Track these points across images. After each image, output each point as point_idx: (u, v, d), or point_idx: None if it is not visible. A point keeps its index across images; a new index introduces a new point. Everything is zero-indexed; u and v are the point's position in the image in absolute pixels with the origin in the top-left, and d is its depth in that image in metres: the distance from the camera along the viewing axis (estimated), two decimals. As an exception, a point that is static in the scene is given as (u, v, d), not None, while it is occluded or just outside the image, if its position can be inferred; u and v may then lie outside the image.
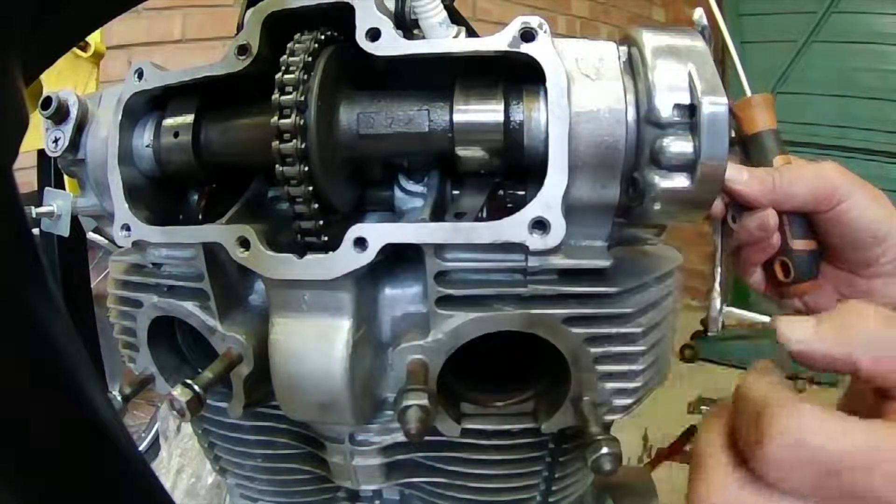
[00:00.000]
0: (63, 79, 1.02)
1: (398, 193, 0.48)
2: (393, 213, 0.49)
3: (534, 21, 0.39)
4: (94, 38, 1.06)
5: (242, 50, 0.43)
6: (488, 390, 0.51)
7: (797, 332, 0.34)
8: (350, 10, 0.41)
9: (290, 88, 0.39)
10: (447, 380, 0.46)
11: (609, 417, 0.46)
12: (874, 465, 0.27)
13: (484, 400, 0.50)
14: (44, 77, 0.76)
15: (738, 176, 0.53)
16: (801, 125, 3.11)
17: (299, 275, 0.41)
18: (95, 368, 0.37)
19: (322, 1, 0.42)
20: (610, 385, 0.45)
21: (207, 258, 0.45)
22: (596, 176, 0.41)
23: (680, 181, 0.39)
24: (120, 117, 0.47)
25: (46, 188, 0.60)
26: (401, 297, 0.47)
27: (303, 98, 0.39)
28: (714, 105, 0.37)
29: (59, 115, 0.50)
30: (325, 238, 0.42)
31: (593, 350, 0.43)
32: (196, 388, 0.41)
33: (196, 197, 0.53)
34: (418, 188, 0.48)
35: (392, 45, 0.40)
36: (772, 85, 3.24)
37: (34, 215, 0.57)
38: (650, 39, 0.40)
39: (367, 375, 0.45)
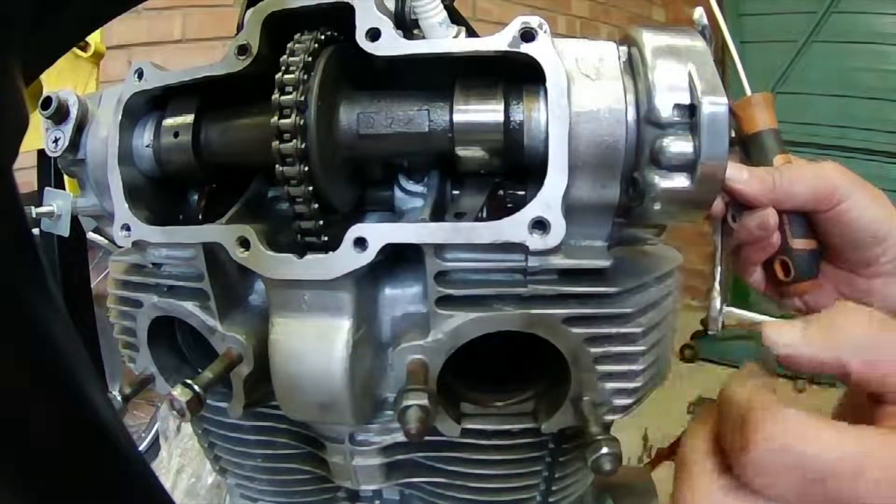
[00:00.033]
0: (63, 79, 1.02)
1: (398, 193, 0.48)
2: (393, 213, 0.49)
3: (534, 21, 0.39)
4: (94, 38, 1.06)
5: (242, 50, 0.43)
6: (488, 390, 0.51)
7: (784, 335, 0.33)
8: (350, 10, 0.41)
9: (290, 88, 0.39)
10: (447, 380, 0.46)
11: (609, 417, 0.46)
12: (859, 472, 0.27)
13: (484, 400, 0.50)
14: (44, 77, 0.76)
15: (738, 175, 0.53)
16: (801, 125, 3.11)
17: (299, 275, 0.41)
18: (95, 368, 0.37)
19: (322, 1, 0.42)
20: (610, 385, 0.45)
21: (207, 258, 0.45)
22: (596, 176, 0.41)
23: (680, 181, 0.39)
24: (120, 117, 0.47)
25: (46, 188, 0.60)
26: (401, 297, 0.47)
27: (303, 98, 0.39)
28: (714, 105, 0.37)
29: (59, 115, 0.50)
30: (325, 238, 0.42)
31: (593, 350, 0.43)
32: (196, 388, 0.41)
33: (196, 197, 0.53)
34: (418, 188, 0.48)
35: (392, 45, 0.40)
36: (772, 85, 3.24)
37: (34, 215, 0.57)
38: (650, 39, 0.40)
39: (367, 375, 0.45)
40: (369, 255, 0.40)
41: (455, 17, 0.52)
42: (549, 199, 0.38)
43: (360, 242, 0.40)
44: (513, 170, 0.44)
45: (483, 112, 0.41)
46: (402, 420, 0.39)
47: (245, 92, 0.45)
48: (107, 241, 1.67)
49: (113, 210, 0.47)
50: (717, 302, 0.55)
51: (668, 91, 0.38)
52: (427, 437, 0.44)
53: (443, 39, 0.47)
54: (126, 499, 0.28)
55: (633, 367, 0.45)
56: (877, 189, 0.53)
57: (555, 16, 3.12)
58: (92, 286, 1.36)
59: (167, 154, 0.48)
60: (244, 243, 0.42)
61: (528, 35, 0.39)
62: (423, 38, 0.48)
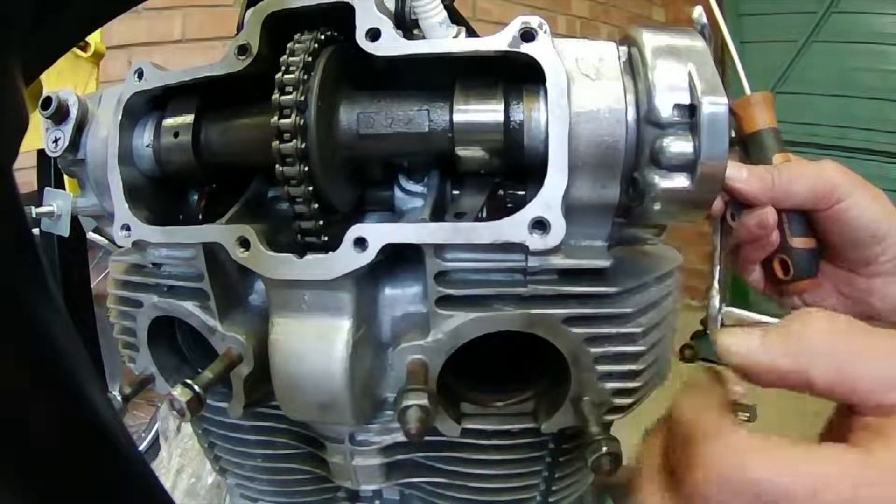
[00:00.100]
0: (63, 79, 1.02)
1: (398, 193, 0.48)
2: (393, 213, 0.49)
3: (534, 21, 0.39)
4: (94, 38, 1.06)
5: (242, 50, 0.43)
6: (488, 390, 0.51)
7: (739, 343, 0.31)
8: (350, 10, 0.41)
9: (290, 88, 0.39)
10: (447, 380, 0.46)
11: (609, 417, 0.46)
12: (813, 496, 0.26)
13: (484, 400, 0.50)
14: (44, 77, 0.76)
15: (738, 174, 0.53)
16: (801, 125, 3.11)
17: (299, 275, 0.41)
18: (95, 368, 0.37)
19: (322, 1, 0.42)
20: (610, 385, 0.45)
21: (207, 258, 0.45)
22: (596, 176, 0.41)
23: (680, 181, 0.39)
24: (120, 117, 0.47)
25: (46, 188, 0.60)
26: (401, 297, 0.47)
27: (303, 98, 0.39)
28: (714, 105, 0.37)
29: (59, 115, 0.50)
30: (325, 238, 0.42)
31: (593, 350, 0.43)
32: (196, 388, 0.41)
33: (196, 197, 0.53)
34: (418, 188, 0.48)
35: (392, 45, 0.40)
36: (772, 85, 3.24)
37: (34, 215, 0.57)
38: (650, 39, 0.40)
39: (367, 375, 0.45)
40: (369, 255, 0.40)
41: (455, 17, 0.52)
42: (549, 199, 0.38)
43: (360, 242, 0.40)
44: (513, 170, 0.44)
45: (483, 112, 0.41)
46: (402, 420, 0.39)
47: (245, 92, 0.45)
48: (107, 241, 1.67)
49: (113, 210, 0.47)
50: (716, 301, 0.55)
51: (668, 91, 0.38)
52: (427, 437, 0.44)
53: (443, 39, 0.47)
54: (126, 499, 0.28)
55: (633, 367, 0.45)
56: (877, 188, 0.53)
57: (555, 16, 3.12)
58: (92, 286, 1.36)
59: (167, 154, 0.48)
60: (244, 243, 0.42)
61: (528, 35, 0.39)
62: (423, 38, 0.48)
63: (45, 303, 0.24)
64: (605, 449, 0.40)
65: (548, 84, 0.39)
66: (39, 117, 0.50)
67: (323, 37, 0.42)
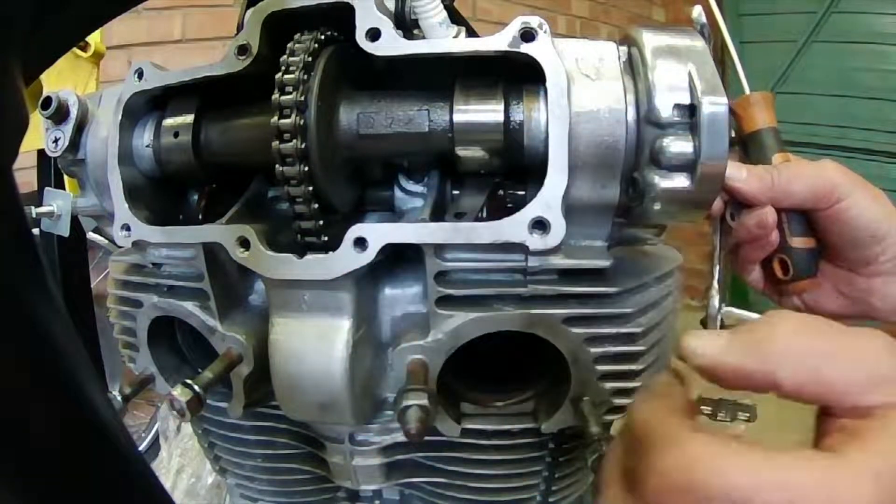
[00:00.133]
0: (63, 79, 1.02)
1: (398, 193, 0.48)
2: (393, 213, 0.49)
3: (534, 21, 0.39)
4: (94, 38, 1.06)
5: (242, 50, 0.43)
6: (488, 390, 0.51)
7: (705, 345, 0.30)
8: (350, 10, 0.41)
9: (290, 88, 0.39)
10: (447, 380, 0.46)
11: (609, 417, 0.46)
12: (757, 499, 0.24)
13: (484, 400, 0.50)
14: (44, 77, 0.76)
15: (737, 173, 0.53)
16: (801, 125, 3.11)
17: (299, 275, 0.41)
18: (95, 368, 0.37)
19: (322, 1, 0.42)
20: (610, 385, 0.45)
21: (207, 258, 0.45)
22: (596, 176, 0.41)
23: (680, 181, 0.39)
24: (120, 117, 0.47)
25: (46, 188, 0.60)
26: (401, 297, 0.47)
27: (303, 98, 0.39)
28: (714, 105, 0.37)
29: (59, 115, 0.50)
30: (325, 238, 0.42)
31: (593, 350, 0.43)
32: (196, 388, 0.41)
33: (196, 197, 0.53)
34: (418, 188, 0.48)
35: (392, 45, 0.40)
36: (772, 85, 3.24)
37: (34, 215, 0.57)
38: (650, 39, 0.40)
39: (367, 375, 0.45)
40: (369, 255, 0.40)
41: (455, 17, 0.52)
42: (549, 199, 0.38)
43: (360, 242, 0.40)
44: (513, 170, 0.44)
45: (483, 112, 0.41)
46: (402, 420, 0.39)
47: (245, 92, 0.45)
48: (107, 241, 1.67)
49: (113, 210, 0.47)
50: (716, 301, 0.55)
51: (668, 91, 0.38)
52: (427, 437, 0.44)
53: (443, 39, 0.47)
54: (126, 499, 0.28)
55: (633, 367, 0.45)
56: (876, 188, 0.53)
57: (555, 16, 3.11)
58: (92, 286, 1.35)
59: (167, 154, 0.48)
60: (244, 243, 0.42)
61: (528, 35, 0.39)
62: (423, 38, 0.48)
63: (45, 303, 0.24)
64: (605, 449, 0.40)
65: (548, 84, 0.39)
66: (39, 117, 0.50)
67: (323, 37, 0.42)
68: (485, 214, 0.46)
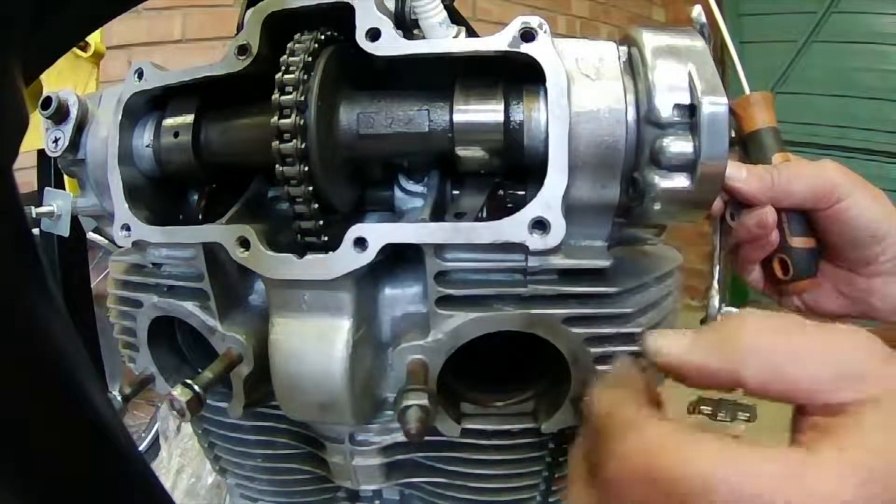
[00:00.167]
0: (63, 79, 1.02)
1: (398, 193, 0.48)
2: (393, 213, 0.49)
3: (534, 21, 0.39)
4: (94, 38, 1.06)
5: (242, 50, 0.43)
6: (488, 390, 0.51)
7: (668, 344, 0.30)
8: (350, 10, 0.41)
9: (290, 88, 0.39)
10: (447, 380, 0.46)
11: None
12: (711, 490, 0.24)
13: (484, 400, 0.50)
14: (44, 77, 0.76)
15: (737, 173, 0.53)
16: (801, 125, 3.11)
17: (299, 275, 0.41)
18: (95, 368, 0.37)
19: (322, 1, 0.42)
20: (610, 385, 0.45)
21: (207, 258, 0.45)
22: (596, 176, 0.41)
23: (680, 181, 0.39)
24: (120, 117, 0.47)
25: (46, 188, 0.60)
26: (401, 297, 0.47)
27: (303, 98, 0.39)
28: (714, 105, 0.37)
29: (59, 115, 0.50)
30: (325, 238, 0.42)
31: (593, 350, 0.43)
32: (196, 388, 0.41)
33: (196, 197, 0.53)
34: (418, 188, 0.48)
35: (392, 45, 0.40)
36: (772, 85, 3.24)
37: (34, 215, 0.57)
38: (650, 39, 0.40)
39: (367, 375, 0.45)
40: (369, 255, 0.40)
41: (455, 17, 0.52)
42: (549, 199, 0.38)
43: (360, 242, 0.40)
44: (513, 170, 0.44)
45: (483, 112, 0.41)
46: (402, 420, 0.39)
47: (245, 92, 0.45)
48: (107, 241, 1.67)
49: (113, 210, 0.47)
50: (716, 301, 0.55)
51: (668, 91, 0.38)
52: (427, 437, 0.44)
53: (443, 39, 0.47)
54: (126, 499, 0.28)
55: (633, 367, 0.45)
56: (877, 188, 0.53)
57: (555, 16, 3.12)
58: (92, 286, 1.35)
59: (167, 154, 0.48)
60: (244, 243, 0.42)
61: (528, 35, 0.39)
62: (423, 38, 0.48)
63: (45, 303, 0.24)
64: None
65: (548, 84, 0.39)
66: (39, 117, 0.50)
67: (323, 37, 0.42)
68: (485, 214, 0.46)
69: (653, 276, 0.48)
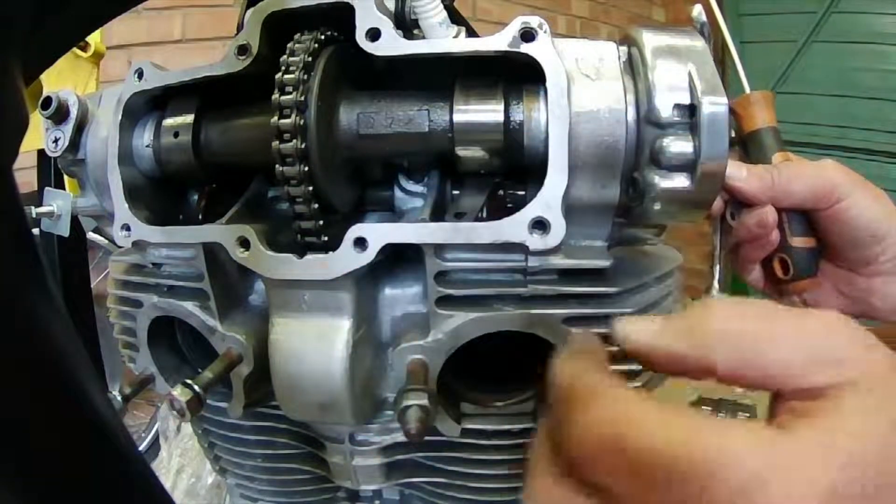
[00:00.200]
0: (63, 79, 1.02)
1: (398, 193, 0.48)
2: (393, 213, 0.49)
3: (534, 21, 0.39)
4: (94, 38, 1.06)
5: (242, 50, 0.43)
6: (488, 390, 0.51)
7: (637, 330, 0.30)
8: (350, 10, 0.41)
9: (290, 88, 0.39)
10: (447, 380, 0.46)
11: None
12: (676, 462, 0.23)
13: (484, 400, 0.50)
14: (44, 77, 0.76)
15: (737, 173, 0.53)
16: (801, 125, 3.11)
17: (299, 275, 0.41)
18: (95, 368, 0.37)
19: (322, 1, 0.42)
20: (610, 385, 0.45)
21: (207, 258, 0.45)
22: (596, 176, 0.41)
23: (680, 181, 0.39)
24: (120, 117, 0.47)
25: (46, 188, 0.60)
26: (401, 297, 0.47)
27: (303, 98, 0.39)
28: (714, 105, 0.37)
29: (59, 115, 0.50)
30: (325, 238, 0.42)
31: (593, 350, 0.43)
32: (196, 388, 0.41)
33: (196, 197, 0.53)
34: (418, 188, 0.48)
35: (392, 45, 0.40)
36: (772, 85, 3.24)
37: (34, 215, 0.57)
38: (650, 39, 0.40)
39: (367, 375, 0.45)
40: (369, 255, 0.40)
41: (455, 17, 0.52)
42: (549, 199, 0.38)
43: (360, 242, 0.40)
44: (513, 170, 0.44)
45: (483, 112, 0.41)
46: (402, 420, 0.39)
47: (245, 92, 0.45)
48: (107, 241, 1.67)
49: (113, 210, 0.47)
50: (717, 301, 0.55)
51: (668, 91, 0.38)
52: (427, 437, 0.44)
53: (443, 39, 0.47)
54: (126, 499, 0.28)
55: (633, 367, 0.45)
56: (877, 188, 0.53)
57: (555, 16, 3.11)
58: (92, 286, 1.35)
59: (167, 154, 0.48)
60: (244, 243, 0.42)
61: (528, 35, 0.39)
62: (423, 38, 0.48)
63: (45, 303, 0.24)
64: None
65: (548, 84, 0.39)
66: (39, 117, 0.50)
67: (323, 37, 0.42)
68: (485, 214, 0.46)
69: (653, 276, 0.48)
